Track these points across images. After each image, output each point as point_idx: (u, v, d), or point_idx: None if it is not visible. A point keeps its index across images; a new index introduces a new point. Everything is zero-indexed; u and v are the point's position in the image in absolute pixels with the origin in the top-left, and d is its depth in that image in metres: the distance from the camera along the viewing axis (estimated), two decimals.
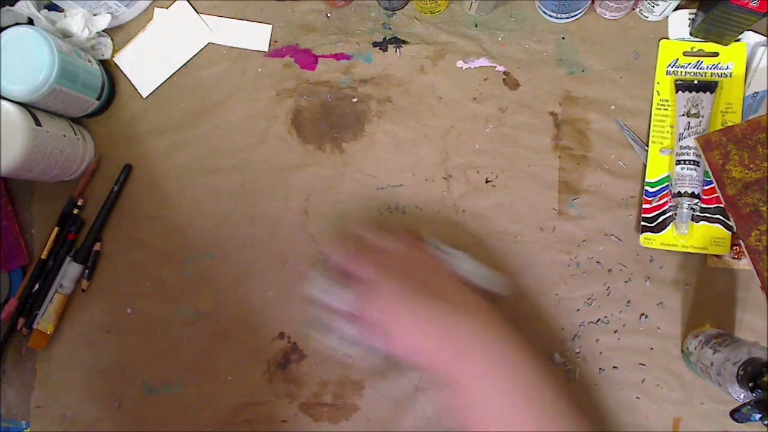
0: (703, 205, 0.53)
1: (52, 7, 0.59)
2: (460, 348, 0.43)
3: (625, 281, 0.55)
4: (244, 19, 0.60)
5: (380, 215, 0.58)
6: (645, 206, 0.55)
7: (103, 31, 0.60)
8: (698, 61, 0.55)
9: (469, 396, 0.43)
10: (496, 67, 0.58)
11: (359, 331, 0.47)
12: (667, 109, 0.55)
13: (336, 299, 0.48)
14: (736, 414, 0.41)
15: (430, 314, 0.44)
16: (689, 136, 0.53)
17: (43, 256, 0.59)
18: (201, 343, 0.58)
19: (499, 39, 0.58)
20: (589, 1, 0.55)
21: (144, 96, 0.60)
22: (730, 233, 0.53)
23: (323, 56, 0.59)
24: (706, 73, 0.55)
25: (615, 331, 0.55)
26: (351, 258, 0.49)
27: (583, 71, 0.57)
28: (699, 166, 0.53)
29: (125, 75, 0.61)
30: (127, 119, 0.60)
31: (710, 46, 0.55)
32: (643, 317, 0.55)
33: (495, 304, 0.52)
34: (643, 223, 0.54)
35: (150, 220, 0.59)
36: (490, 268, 0.52)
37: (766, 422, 0.40)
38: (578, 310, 0.55)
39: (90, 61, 0.57)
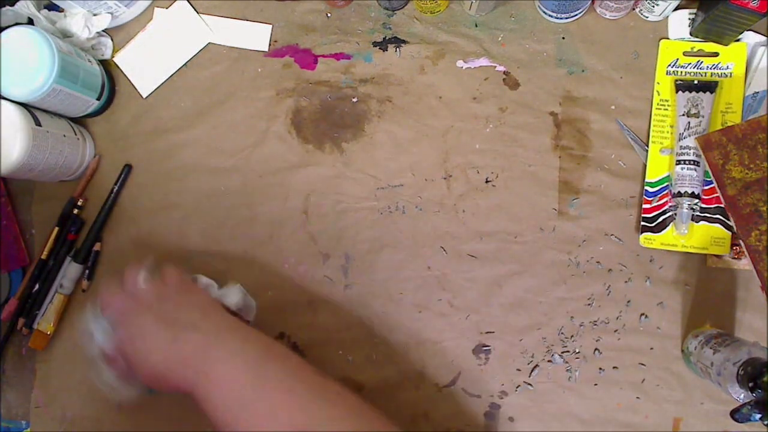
0: (703, 205, 0.53)
1: (52, 7, 0.59)
2: (188, 363, 0.45)
3: (625, 281, 0.55)
4: (244, 19, 0.60)
5: (380, 215, 0.58)
6: (645, 206, 0.55)
7: (103, 31, 0.60)
8: (698, 61, 0.55)
9: (211, 399, 0.44)
10: (496, 67, 0.58)
11: (116, 368, 0.49)
12: (667, 109, 0.55)
13: (100, 337, 0.49)
14: (736, 414, 0.41)
15: (158, 340, 0.46)
16: (689, 136, 0.53)
17: (43, 256, 0.59)
18: None
19: (499, 39, 0.58)
20: (589, 1, 0.55)
21: (144, 96, 0.60)
22: (730, 233, 0.53)
23: (323, 56, 0.59)
24: (706, 73, 0.55)
25: (615, 331, 0.55)
26: (109, 300, 0.50)
27: (583, 71, 0.57)
28: (699, 166, 0.53)
29: (125, 75, 0.61)
30: (127, 119, 0.60)
31: (710, 46, 0.55)
32: (643, 317, 0.55)
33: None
34: (643, 223, 0.54)
35: (150, 220, 0.59)
36: (245, 295, 0.53)
37: (766, 422, 0.40)
38: (578, 310, 0.55)
39: (90, 61, 0.57)
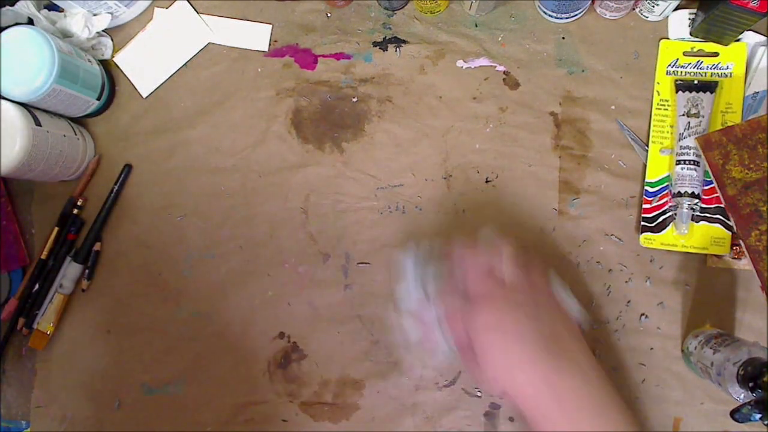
0: (703, 205, 0.53)
1: (52, 7, 0.59)
2: (559, 399, 0.40)
3: (626, 281, 0.55)
4: (244, 19, 0.60)
5: (380, 215, 0.58)
6: (645, 206, 0.55)
7: (103, 31, 0.60)
8: (698, 61, 0.55)
9: None
10: (496, 66, 0.58)
11: (454, 334, 0.44)
12: (667, 109, 0.55)
13: (425, 289, 0.45)
14: (736, 414, 0.41)
15: (536, 354, 0.40)
16: (689, 136, 0.53)
17: (43, 256, 0.59)
18: (201, 343, 0.58)
19: (499, 39, 0.58)
20: (589, 1, 0.55)
21: (144, 96, 0.60)
22: (730, 233, 0.53)
23: (323, 56, 0.59)
24: (706, 73, 0.55)
25: (615, 331, 0.55)
26: (465, 262, 0.44)
27: (583, 71, 0.57)
28: (699, 166, 0.53)
29: (125, 75, 0.61)
30: (127, 119, 0.60)
31: (710, 46, 0.55)
32: (643, 317, 0.55)
33: None
34: (643, 223, 0.54)
35: (150, 220, 0.59)
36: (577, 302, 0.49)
37: (766, 422, 0.40)
38: (578, 310, 0.55)
39: (90, 61, 0.57)
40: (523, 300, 0.43)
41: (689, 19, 0.55)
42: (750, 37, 0.55)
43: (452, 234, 0.50)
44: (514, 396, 0.42)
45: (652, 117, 0.56)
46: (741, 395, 0.44)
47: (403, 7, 0.59)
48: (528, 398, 0.41)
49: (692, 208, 0.53)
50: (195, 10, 0.60)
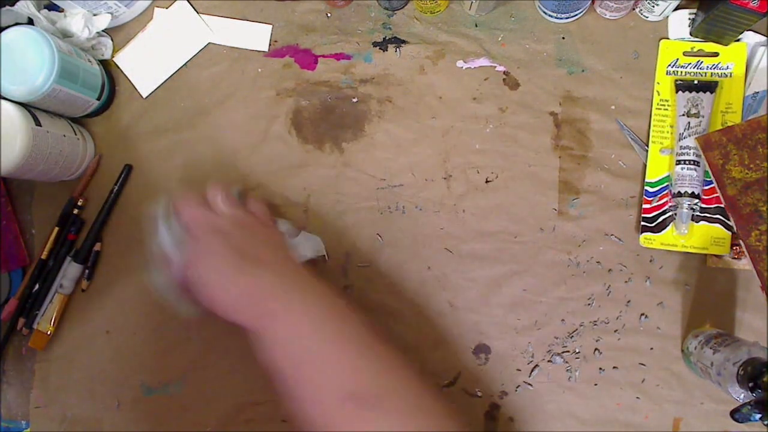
0: (703, 205, 0.53)
1: (52, 7, 0.59)
2: (253, 297, 0.45)
3: (625, 281, 0.55)
4: (244, 19, 0.60)
5: (380, 215, 0.58)
6: (645, 206, 0.55)
7: (103, 31, 0.60)
8: (698, 61, 0.55)
9: (269, 343, 0.44)
10: (496, 67, 0.58)
11: (174, 276, 0.48)
12: (667, 109, 0.55)
13: (176, 249, 0.49)
14: (736, 414, 0.41)
15: (227, 266, 0.45)
16: (689, 136, 0.53)
17: (43, 256, 0.59)
18: (201, 343, 0.58)
19: (499, 39, 0.58)
20: (589, 1, 0.55)
21: (144, 96, 0.60)
22: (730, 233, 0.53)
23: (323, 56, 0.59)
24: (706, 73, 0.55)
25: (615, 331, 0.55)
26: (187, 210, 0.49)
27: (583, 71, 0.57)
28: (699, 166, 0.53)
29: (125, 75, 0.61)
30: (127, 119, 0.60)
31: (710, 46, 0.55)
32: (643, 317, 0.55)
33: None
34: (643, 223, 0.54)
35: (150, 220, 0.59)
36: (305, 234, 0.55)
37: (766, 422, 0.40)
38: (578, 310, 0.55)
39: (90, 61, 0.57)
40: (223, 225, 0.48)
41: (689, 19, 0.55)
42: (750, 37, 0.55)
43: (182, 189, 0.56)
44: (222, 306, 0.46)
45: (652, 117, 0.56)
46: (741, 395, 0.44)
47: (403, 7, 0.59)
48: (229, 304, 0.45)
49: (692, 208, 0.53)
50: (195, 10, 0.60)
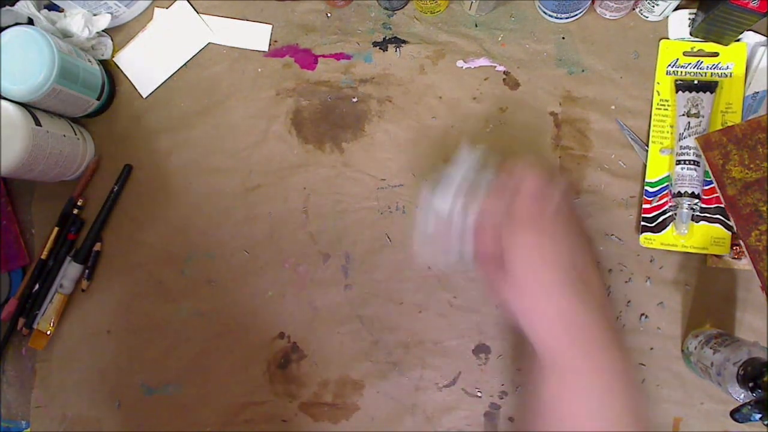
0: (703, 205, 0.53)
1: (52, 7, 0.59)
2: (576, 331, 0.41)
3: (626, 281, 0.55)
4: (244, 19, 0.60)
5: (380, 215, 0.58)
6: (645, 206, 0.55)
7: (103, 31, 0.60)
8: (698, 61, 0.55)
9: (566, 383, 0.41)
10: (496, 66, 0.58)
11: (478, 241, 0.44)
12: (667, 109, 0.55)
13: (487, 170, 0.45)
14: (736, 414, 0.41)
15: (561, 284, 0.41)
16: (689, 136, 0.53)
17: (43, 256, 0.59)
18: (201, 343, 0.58)
19: (499, 39, 0.58)
20: (589, 1, 0.55)
21: (144, 96, 0.60)
22: (730, 233, 0.53)
23: (323, 56, 0.59)
24: (706, 73, 0.55)
25: None
26: (533, 179, 0.44)
27: (583, 71, 0.57)
28: (699, 166, 0.53)
29: (125, 75, 0.61)
30: (127, 119, 0.60)
31: (710, 46, 0.55)
32: (643, 317, 0.55)
33: None
34: (643, 223, 0.54)
35: (150, 220, 0.59)
36: None
37: (766, 422, 0.40)
38: None
39: (90, 61, 0.57)
40: (565, 232, 0.43)
41: (689, 19, 0.55)
42: (750, 37, 0.55)
43: (507, 155, 0.50)
44: (527, 318, 0.42)
45: (652, 117, 0.56)
46: (741, 395, 0.44)
47: (403, 7, 0.59)
48: (542, 324, 0.42)
49: (692, 208, 0.53)
50: (195, 10, 0.60)
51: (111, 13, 0.59)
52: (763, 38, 0.55)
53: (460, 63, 0.58)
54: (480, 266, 0.46)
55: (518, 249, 0.42)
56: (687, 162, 0.53)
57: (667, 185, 0.54)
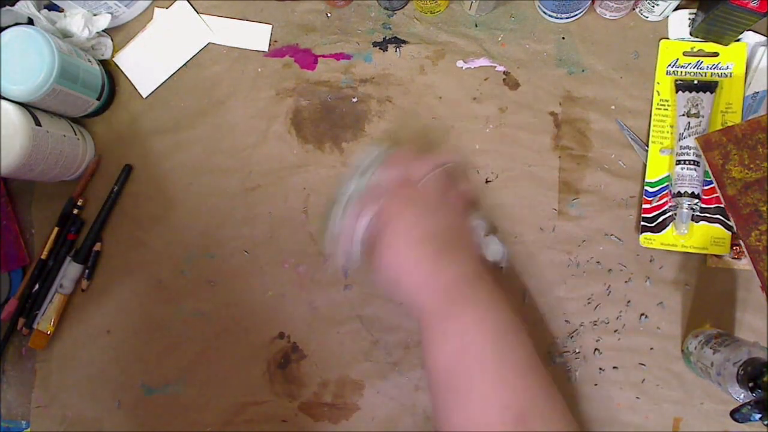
0: (703, 205, 0.53)
1: (52, 7, 0.59)
2: (441, 291, 0.44)
3: (625, 281, 0.55)
4: (244, 19, 0.60)
5: None
6: (645, 206, 0.55)
7: (103, 31, 0.60)
8: (698, 61, 0.55)
9: (438, 340, 0.43)
10: (496, 67, 0.58)
11: (356, 226, 0.47)
12: (667, 109, 0.55)
13: (370, 171, 0.48)
14: (736, 414, 0.41)
15: (424, 250, 0.44)
16: (689, 136, 0.53)
17: (43, 256, 0.59)
18: (201, 343, 0.58)
19: (499, 39, 0.58)
20: (589, 1, 0.55)
21: (144, 96, 0.60)
22: (730, 233, 0.53)
23: (323, 56, 0.59)
24: (706, 73, 0.55)
25: (615, 331, 0.55)
26: (401, 168, 0.48)
27: (583, 71, 0.57)
28: (699, 166, 0.53)
29: (125, 75, 0.61)
30: (127, 119, 0.60)
31: (710, 46, 0.55)
32: (643, 317, 0.55)
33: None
34: (643, 223, 0.54)
35: (150, 220, 0.59)
36: (504, 251, 0.54)
37: (766, 422, 0.40)
38: (578, 310, 0.55)
39: (90, 61, 0.57)
40: (426, 203, 0.47)
41: (689, 19, 0.55)
42: (750, 37, 0.55)
43: (408, 142, 0.55)
44: (401, 280, 0.45)
45: (652, 117, 0.56)
46: (741, 395, 0.44)
47: (403, 7, 0.59)
48: (409, 287, 0.45)
49: (692, 208, 0.53)
50: (195, 10, 0.60)
51: (111, 13, 0.59)
52: (763, 38, 0.55)
53: (460, 63, 0.58)
54: (367, 256, 0.48)
55: (382, 221, 0.46)
56: (687, 162, 0.53)
57: (667, 185, 0.54)
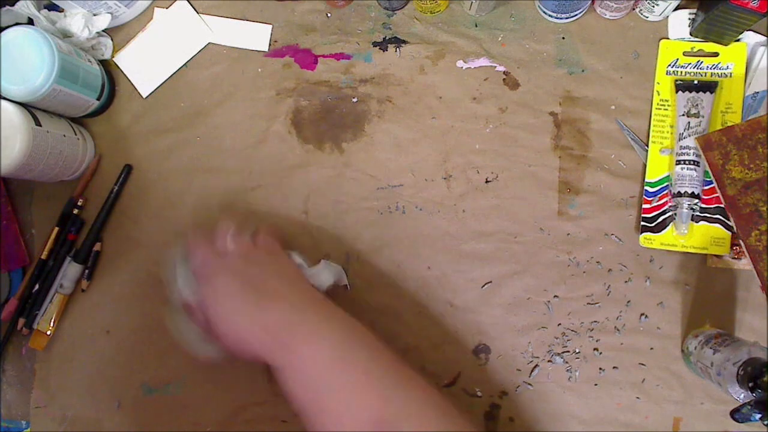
0: (703, 205, 0.53)
1: (52, 7, 0.59)
2: (272, 332, 0.45)
3: (625, 281, 0.55)
4: (244, 19, 0.60)
5: (380, 215, 0.58)
6: (645, 206, 0.55)
7: (103, 31, 0.60)
8: (698, 61, 0.55)
9: (291, 374, 0.45)
10: (496, 67, 0.58)
11: (196, 321, 0.49)
12: (667, 109, 0.55)
13: (183, 284, 0.50)
14: (736, 414, 0.41)
15: (243, 304, 0.46)
16: (689, 136, 0.53)
17: (43, 256, 0.59)
18: None
19: (499, 39, 0.58)
20: (589, 1, 0.55)
21: (144, 96, 0.60)
22: (730, 233, 0.53)
23: (323, 56, 0.59)
24: (706, 73, 0.55)
25: (615, 331, 0.55)
26: (197, 252, 0.50)
27: (583, 71, 0.57)
28: (699, 166, 0.53)
29: (125, 75, 0.61)
30: (127, 119, 0.60)
31: (710, 46, 0.55)
32: (643, 317, 0.55)
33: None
34: (643, 223, 0.54)
35: (150, 220, 0.59)
36: (329, 263, 0.55)
37: (766, 422, 0.40)
38: (578, 310, 0.55)
39: (90, 61, 0.57)
40: (234, 263, 0.48)
41: (689, 19, 0.56)
42: (750, 37, 0.55)
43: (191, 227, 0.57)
44: (243, 344, 0.46)
45: (652, 117, 0.56)
46: (741, 395, 0.44)
47: (403, 7, 0.59)
48: (250, 341, 0.46)
49: (692, 208, 0.53)
50: (195, 10, 0.60)
51: (111, 13, 0.59)
52: (763, 38, 0.55)
53: (460, 63, 0.58)
54: (204, 331, 0.49)
55: (204, 304, 0.48)
56: (687, 162, 0.53)
57: (667, 185, 0.54)
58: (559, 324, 0.55)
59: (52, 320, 0.58)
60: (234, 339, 0.46)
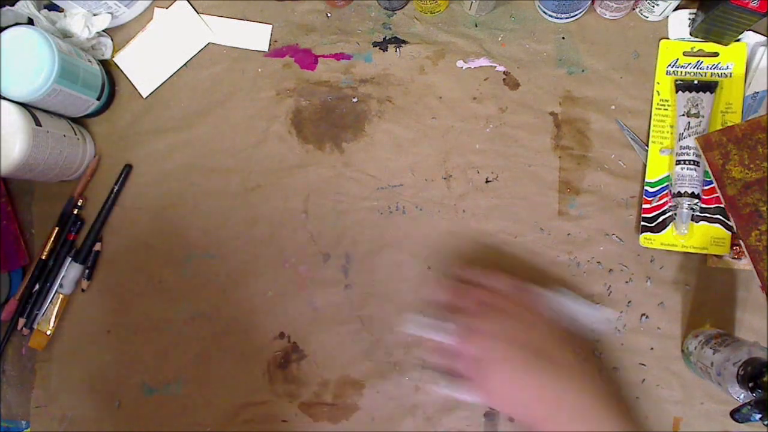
0: (703, 205, 0.53)
1: (52, 7, 0.59)
2: (551, 407, 0.44)
3: (626, 281, 0.55)
4: (244, 19, 0.60)
5: (380, 215, 0.58)
6: (645, 206, 0.55)
7: (103, 31, 0.60)
8: (698, 61, 0.55)
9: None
10: (496, 67, 0.58)
11: (459, 368, 0.48)
12: (667, 109, 0.55)
13: (436, 331, 0.49)
14: (736, 414, 0.41)
15: (527, 368, 0.44)
16: (689, 136, 0.53)
17: (43, 256, 0.59)
18: (201, 343, 0.58)
19: (499, 39, 0.58)
20: (589, 1, 0.55)
21: (144, 96, 0.60)
22: (730, 233, 0.53)
23: (323, 56, 0.59)
24: (706, 73, 0.55)
25: (615, 331, 0.55)
26: (458, 291, 0.49)
27: (583, 71, 0.57)
28: (699, 166, 0.53)
29: (125, 75, 0.61)
30: (127, 119, 0.60)
31: (710, 46, 0.55)
32: (643, 317, 0.55)
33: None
34: (643, 223, 0.54)
35: (150, 220, 0.59)
36: (593, 304, 0.54)
37: (766, 422, 0.40)
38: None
39: (90, 61, 0.57)
40: (513, 326, 0.47)
41: (689, 19, 0.55)
42: (750, 37, 0.55)
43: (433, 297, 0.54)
44: (515, 407, 0.45)
45: (652, 117, 0.56)
46: (741, 395, 0.44)
47: (403, 7, 0.59)
48: (526, 414, 0.44)
49: (692, 208, 0.53)
50: (195, 10, 0.60)
51: (111, 13, 0.59)
52: (763, 38, 0.55)
53: (460, 63, 0.58)
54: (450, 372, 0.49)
55: (474, 348, 0.46)
56: (687, 162, 0.53)
57: (667, 185, 0.54)
58: None
59: (52, 320, 0.58)
60: (508, 396, 0.45)
